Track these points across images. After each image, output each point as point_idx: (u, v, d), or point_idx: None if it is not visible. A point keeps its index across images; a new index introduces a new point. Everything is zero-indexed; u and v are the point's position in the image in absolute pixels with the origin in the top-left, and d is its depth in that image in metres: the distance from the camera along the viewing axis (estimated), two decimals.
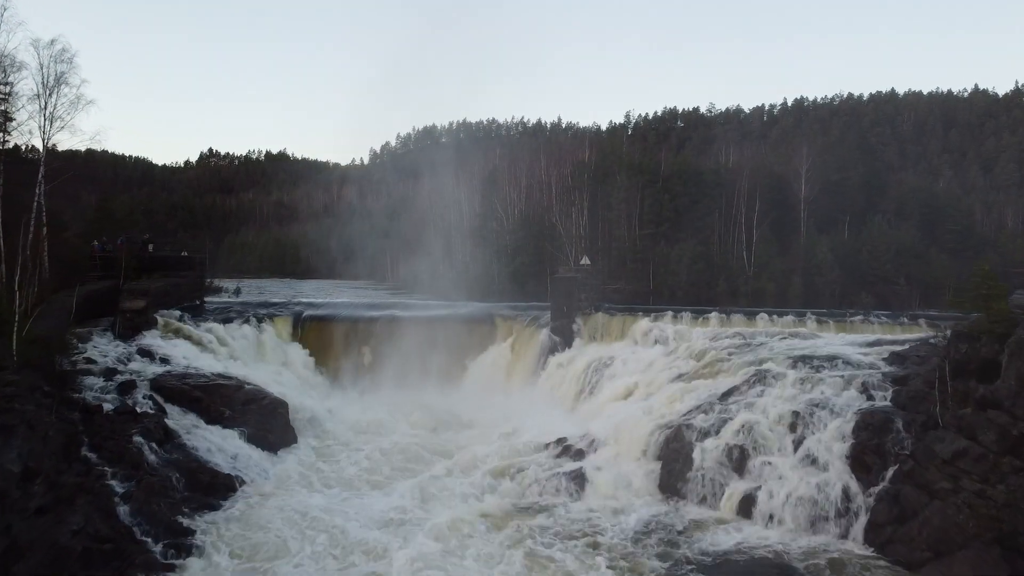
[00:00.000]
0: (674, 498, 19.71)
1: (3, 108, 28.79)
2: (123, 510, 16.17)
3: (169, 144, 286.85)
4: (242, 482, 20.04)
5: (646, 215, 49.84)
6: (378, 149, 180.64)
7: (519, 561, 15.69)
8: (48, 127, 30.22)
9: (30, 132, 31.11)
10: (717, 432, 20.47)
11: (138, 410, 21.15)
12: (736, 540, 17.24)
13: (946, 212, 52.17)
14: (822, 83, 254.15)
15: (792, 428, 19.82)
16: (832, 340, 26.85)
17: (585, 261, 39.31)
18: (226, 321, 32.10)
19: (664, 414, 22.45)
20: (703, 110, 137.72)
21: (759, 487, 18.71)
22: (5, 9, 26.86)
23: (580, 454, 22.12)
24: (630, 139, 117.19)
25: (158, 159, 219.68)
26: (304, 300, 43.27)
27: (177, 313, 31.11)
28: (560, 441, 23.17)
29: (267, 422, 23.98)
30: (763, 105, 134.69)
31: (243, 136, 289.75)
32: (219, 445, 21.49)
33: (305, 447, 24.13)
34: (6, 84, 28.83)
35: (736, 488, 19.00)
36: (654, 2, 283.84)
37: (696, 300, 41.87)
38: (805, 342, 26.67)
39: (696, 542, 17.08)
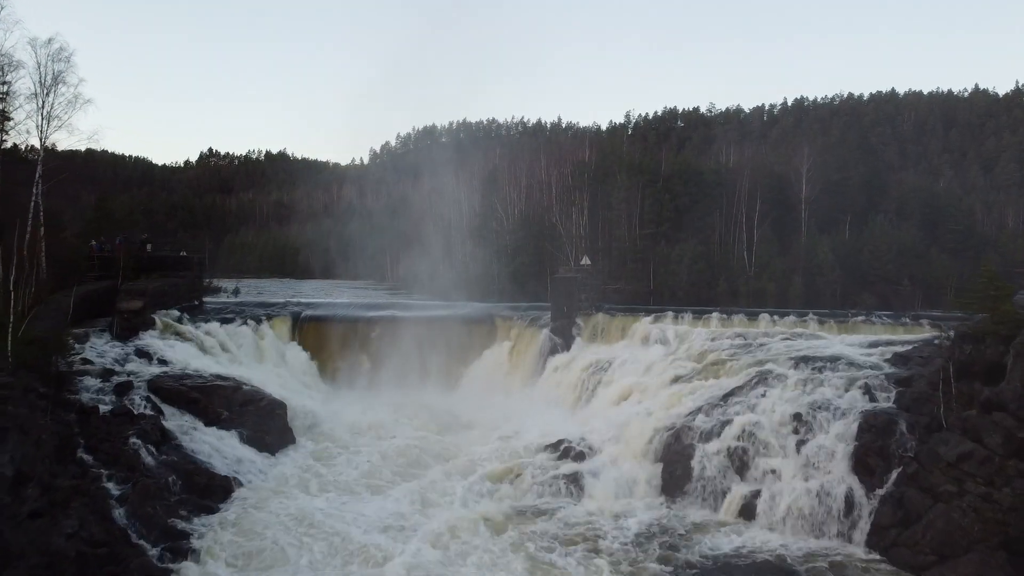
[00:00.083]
0: (675, 501, 19.55)
1: (0, 107, 28.65)
2: (118, 513, 15.96)
3: (169, 144, 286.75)
4: (240, 484, 19.85)
5: (646, 215, 49.71)
6: (378, 149, 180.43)
7: (520, 567, 15.51)
8: (45, 126, 30.09)
9: (27, 131, 30.97)
10: (719, 434, 20.30)
11: (135, 411, 20.96)
12: (738, 543, 17.09)
13: (947, 212, 52.05)
14: (822, 83, 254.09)
15: (794, 430, 19.65)
16: (834, 341, 26.64)
17: (585, 261, 39.13)
18: (225, 321, 31.90)
19: (665, 416, 22.26)
20: (703, 110, 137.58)
21: (761, 490, 18.56)
22: (2, 8, 26.74)
23: (581, 456, 21.94)
24: (630, 139, 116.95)
25: (158, 159, 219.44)
26: (303, 300, 43.11)
27: (175, 313, 30.92)
28: (560, 443, 22.97)
29: (265, 423, 23.80)
30: (763, 105, 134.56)
31: (243, 136, 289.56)
32: (216, 447, 21.28)
33: (303, 449, 23.93)
34: (3, 83, 28.71)
35: (738, 491, 18.84)
36: (654, 2, 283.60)
37: (697, 300, 41.73)
38: (807, 343, 26.45)
39: (698, 546, 16.91)
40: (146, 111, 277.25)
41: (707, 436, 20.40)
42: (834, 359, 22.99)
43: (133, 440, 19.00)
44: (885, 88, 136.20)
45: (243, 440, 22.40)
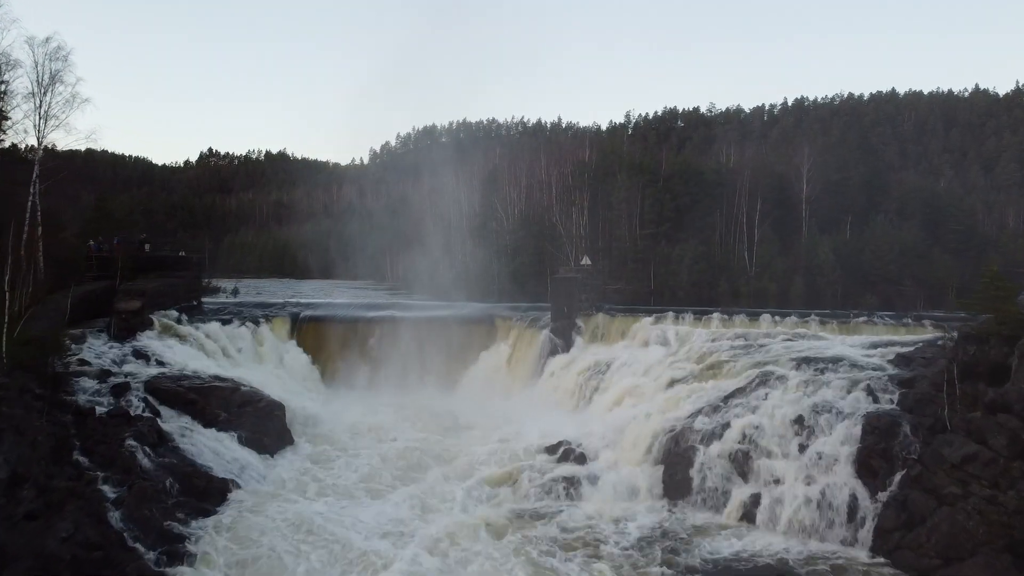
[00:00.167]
0: (677, 503, 19.39)
1: None
2: (114, 516, 15.74)
3: (169, 144, 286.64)
4: (237, 486, 19.64)
5: (647, 215, 49.58)
6: (378, 149, 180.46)
7: (521, 573, 15.32)
8: (43, 125, 29.89)
9: (25, 131, 30.76)
10: (720, 436, 20.13)
11: (132, 413, 20.77)
12: (740, 547, 16.93)
13: (948, 212, 51.94)
14: (822, 83, 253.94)
15: (797, 431, 19.47)
16: (836, 341, 26.48)
17: (586, 261, 38.95)
18: (223, 322, 31.74)
19: (666, 418, 22.08)
20: (703, 110, 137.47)
21: (763, 493, 18.40)
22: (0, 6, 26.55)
23: (581, 458, 21.77)
24: (630, 139, 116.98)
25: (158, 159, 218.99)
26: (302, 300, 42.95)
27: (174, 314, 30.75)
28: (560, 445, 22.81)
29: (263, 425, 23.62)
30: (763, 105, 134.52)
31: (243, 136, 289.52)
32: (214, 448, 21.08)
33: (302, 450, 23.74)
34: (1, 82, 28.53)
35: (740, 494, 18.68)
36: (654, 2, 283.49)
37: (697, 300, 41.58)
38: (808, 343, 26.26)
39: (699, 549, 16.75)
40: (146, 111, 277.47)
41: (708, 438, 20.24)
42: (836, 360, 22.81)
43: (130, 442, 18.82)
44: (885, 88, 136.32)
45: (241, 442, 22.22)
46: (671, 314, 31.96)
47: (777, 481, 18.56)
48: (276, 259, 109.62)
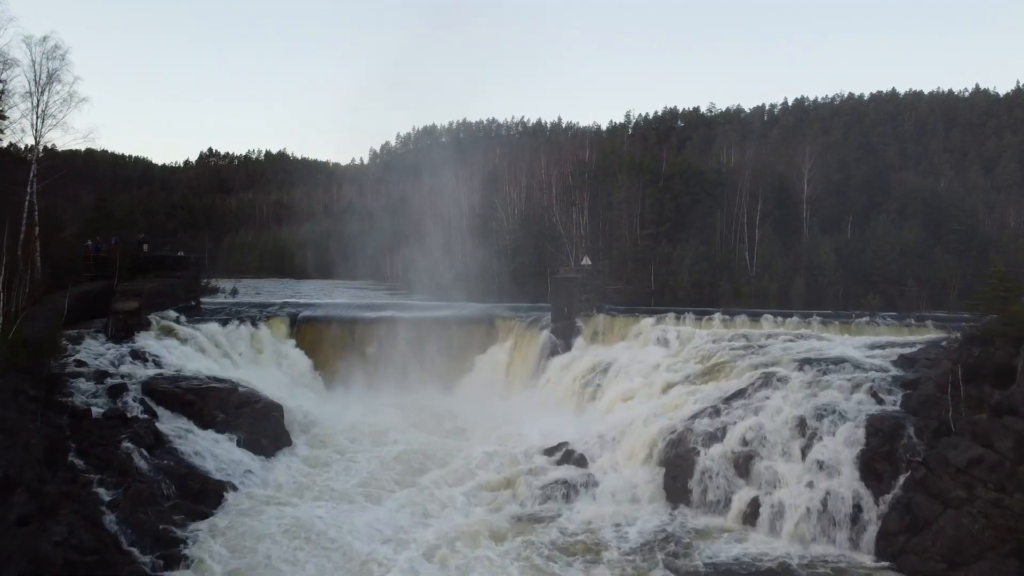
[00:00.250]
0: (678, 506, 19.19)
1: None
2: (109, 519, 15.59)
3: (169, 144, 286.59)
4: (234, 488, 19.47)
5: (647, 215, 49.34)
6: (378, 149, 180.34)
7: None
8: (40, 125, 29.78)
9: (23, 130, 30.61)
10: (722, 438, 19.96)
11: (128, 414, 20.63)
12: (742, 550, 16.76)
13: (949, 212, 51.67)
14: (823, 83, 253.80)
15: (799, 433, 19.28)
16: (838, 342, 26.30)
17: (586, 261, 38.75)
18: (222, 322, 31.54)
19: (667, 419, 21.89)
20: (703, 110, 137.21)
21: (766, 494, 18.20)
22: None
23: (582, 460, 21.57)
24: (630, 139, 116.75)
25: (158, 159, 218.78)
26: (301, 301, 42.77)
27: (172, 314, 30.57)
28: (561, 446, 22.61)
29: (261, 426, 23.41)
30: (763, 105, 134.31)
31: (243, 136, 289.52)
32: (211, 450, 20.89)
33: (300, 452, 23.50)
34: None
35: (742, 496, 18.49)
36: (654, 2, 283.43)
37: (698, 300, 41.37)
38: (810, 344, 26.11)
39: (701, 553, 16.56)
40: (146, 111, 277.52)
41: (710, 440, 20.05)
42: (839, 361, 22.63)
43: (126, 444, 18.68)
44: (886, 88, 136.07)
45: (239, 443, 22.03)
46: (672, 314, 31.78)
47: (779, 484, 18.35)
48: (276, 259, 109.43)
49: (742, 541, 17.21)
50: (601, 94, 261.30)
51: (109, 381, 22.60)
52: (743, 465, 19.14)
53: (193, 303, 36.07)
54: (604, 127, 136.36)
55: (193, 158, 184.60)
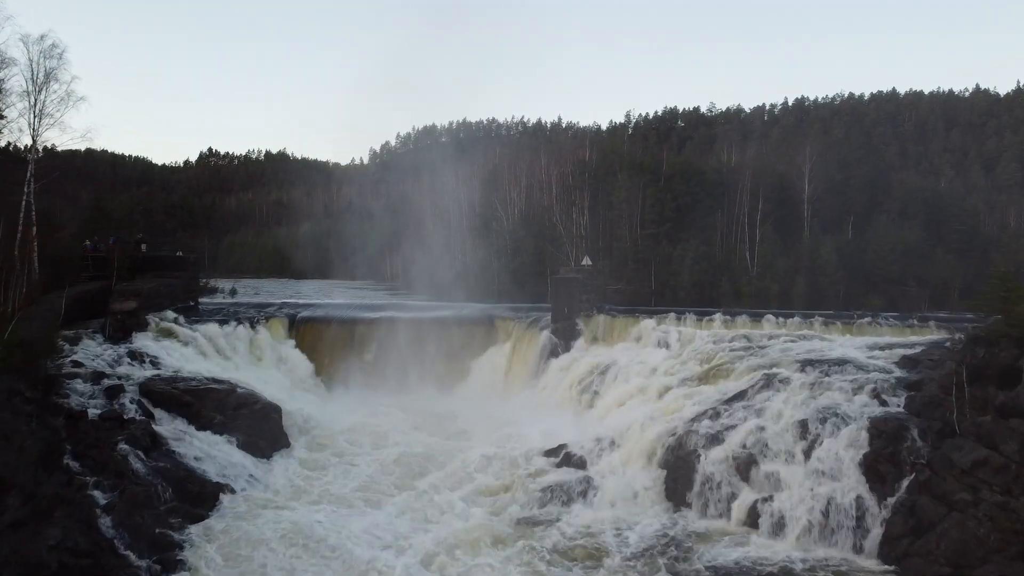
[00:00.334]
0: (679, 508, 19.02)
1: None
2: (105, 522, 15.40)
3: (168, 144, 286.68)
4: (232, 491, 19.29)
5: (648, 215, 49.21)
6: (378, 149, 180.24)
7: None
8: (37, 124, 29.65)
9: (20, 129, 30.47)
10: (723, 440, 19.76)
11: (125, 416, 20.42)
12: (744, 553, 16.55)
13: (950, 212, 51.62)
14: (823, 83, 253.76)
15: (802, 435, 19.08)
16: (840, 343, 26.13)
17: (586, 261, 38.59)
18: (220, 323, 31.35)
19: (668, 421, 21.72)
20: (704, 110, 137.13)
21: (768, 497, 18.02)
22: None
23: (582, 462, 21.40)
24: (631, 139, 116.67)
25: (157, 159, 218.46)
26: (301, 301, 42.59)
27: (170, 315, 30.34)
28: (561, 448, 22.43)
29: (259, 427, 23.23)
30: (764, 105, 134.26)
31: (242, 136, 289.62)
32: (209, 452, 20.69)
33: (298, 455, 23.27)
34: None
35: (744, 498, 18.30)
36: (654, 2, 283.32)
37: (699, 301, 41.22)
38: (812, 345, 25.95)
39: (702, 556, 16.36)
40: (146, 111, 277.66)
41: (711, 442, 19.87)
42: (841, 362, 22.44)
43: (122, 446, 18.48)
44: (886, 88, 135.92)
45: (237, 445, 21.83)
46: (673, 315, 31.59)
47: (781, 487, 18.19)
48: (275, 259, 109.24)
49: (744, 545, 17.02)
50: (601, 94, 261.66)
51: (106, 382, 22.39)
52: (744, 468, 18.95)
53: (191, 303, 35.83)
54: (604, 127, 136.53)
55: (193, 158, 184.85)
